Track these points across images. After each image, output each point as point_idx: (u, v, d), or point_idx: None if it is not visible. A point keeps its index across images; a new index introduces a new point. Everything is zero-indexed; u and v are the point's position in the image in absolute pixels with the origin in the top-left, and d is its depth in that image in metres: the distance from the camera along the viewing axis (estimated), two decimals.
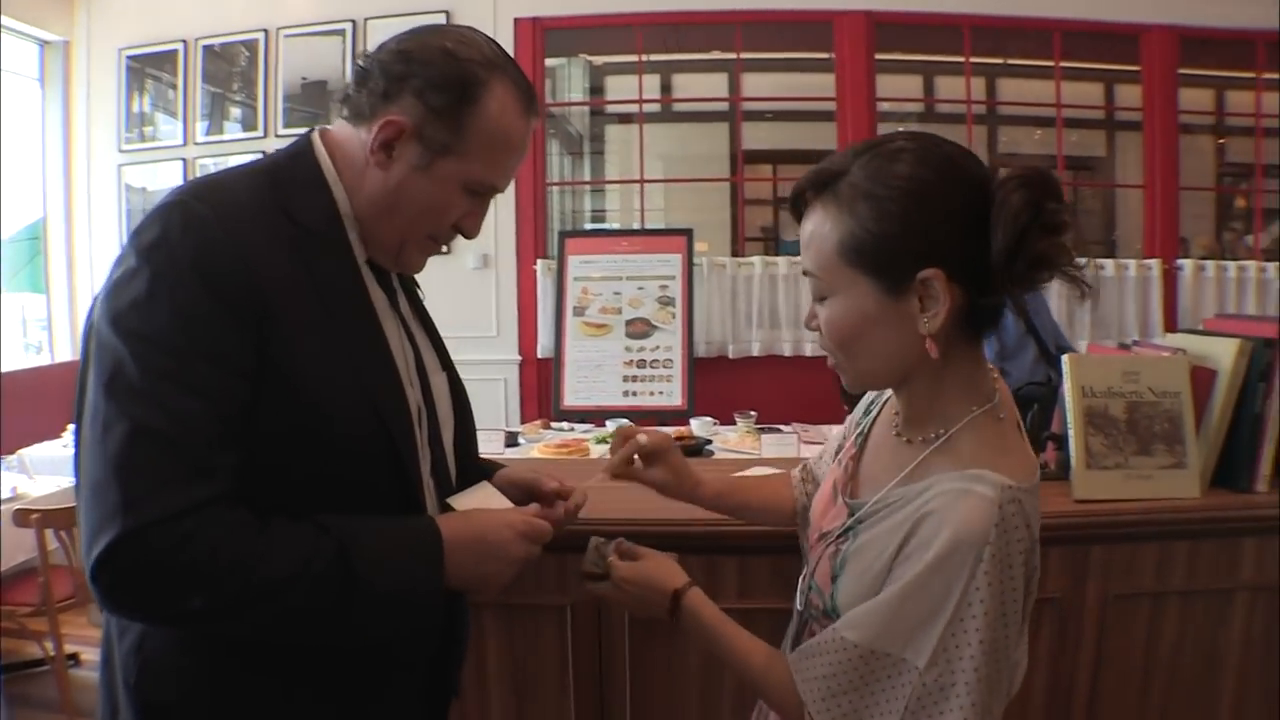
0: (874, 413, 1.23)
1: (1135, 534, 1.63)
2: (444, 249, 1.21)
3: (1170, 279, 4.72)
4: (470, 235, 1.17)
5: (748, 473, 1.99)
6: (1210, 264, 4.72)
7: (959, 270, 0.97)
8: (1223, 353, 1.70)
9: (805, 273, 1.06)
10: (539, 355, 4.81)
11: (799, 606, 1.21)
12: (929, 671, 0.96)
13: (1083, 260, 1.01)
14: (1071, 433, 1.67)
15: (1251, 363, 1.68)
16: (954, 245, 0.96)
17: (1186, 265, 4.72)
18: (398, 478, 1.09)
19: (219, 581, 0.93)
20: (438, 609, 1.06)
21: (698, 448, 3.55)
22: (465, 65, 1.07)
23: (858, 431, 1.24)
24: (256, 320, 0.97)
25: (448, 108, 1.06)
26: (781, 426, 4.09)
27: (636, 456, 1.36)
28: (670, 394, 4.53)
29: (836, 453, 1.30)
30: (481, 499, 1.21)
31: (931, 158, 0.99)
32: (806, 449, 3.49)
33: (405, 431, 1.10)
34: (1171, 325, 4.66)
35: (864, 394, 1.28)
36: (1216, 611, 1.68)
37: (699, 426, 3.95)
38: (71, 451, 0.99)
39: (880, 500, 1.06)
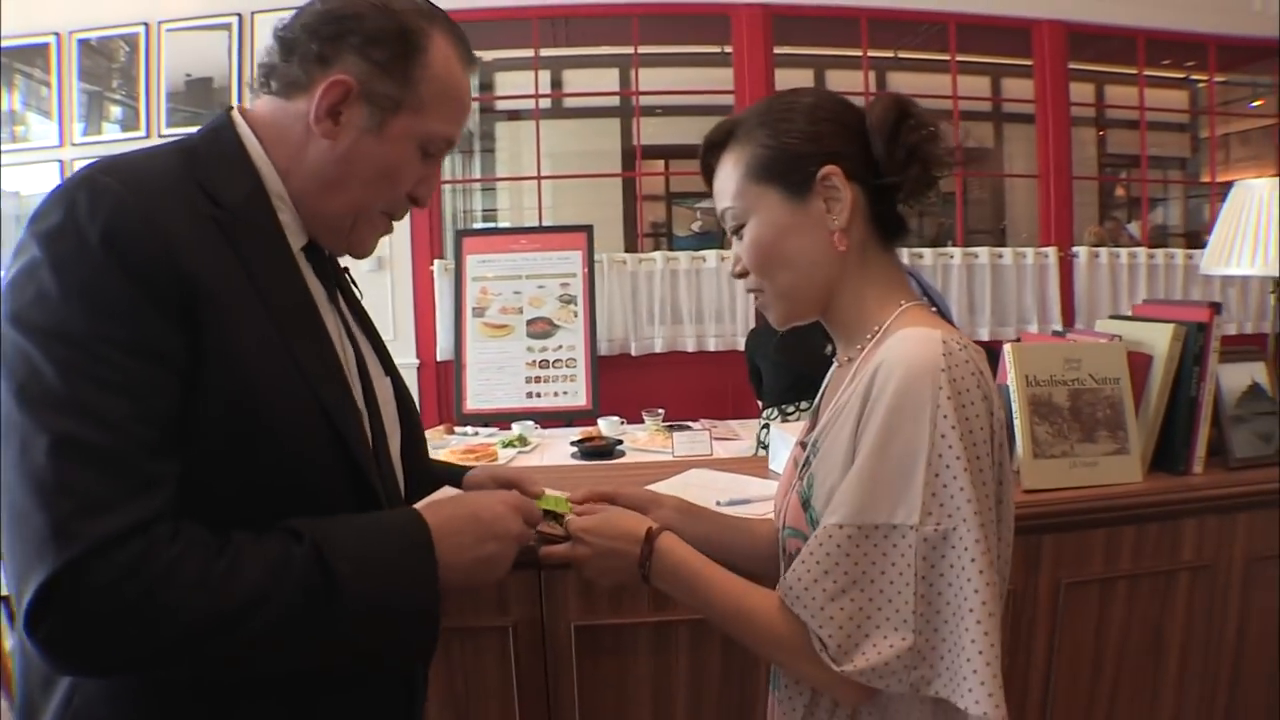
0: (825, 382, 1.23)
1: (1085, 521, 1.64)
2: None
3: (1066, 266, 4.85)
4: (423, 203, 1.07)
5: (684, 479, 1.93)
6: (1104, 251, 4.87)
7: (854, 169, 1.05)
8: (1157, 338, 1.72)
9: (722, 215, 1.12)
10: (438, 358, 4.64)
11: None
12: (925, 524, 0.91)
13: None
14: (1017, 422, 1.66)
15: (1186, 347, 1.70)
16: (847, 147, 1.05)
17: (1081, 253, 4.86)
18: (352, 485, 0.96)
19: (180, 612, 0.79)
20: (434, 612, 0.93)
21: (608, 449, 3.48)
22: (402, 16, 0.98)
23: (812, 407, 1.24)
24: (184, 307, 0.84)
25: (394, 61, 0.97)
26: (691, 423, 4.04)
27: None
28: (575, 394, 4.44)
29: None
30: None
31: (821, 91, 1.13)
32: (720, 446, 3.46)
33: (358, 434, 0.98)
34: (1069, 312, 4.82)
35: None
36: (1161, 593, 1.70)
37: (607, 426, 3.87)
38: None
39: (829, 413, 1.06)
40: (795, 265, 1.07)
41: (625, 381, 4.59)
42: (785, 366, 3.29)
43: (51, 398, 0.78)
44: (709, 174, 1.14)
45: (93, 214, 0.82)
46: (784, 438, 1.99)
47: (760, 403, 3.65)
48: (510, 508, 1.04)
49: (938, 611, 0.92)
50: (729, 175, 1.09)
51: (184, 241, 0.85)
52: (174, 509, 0.82)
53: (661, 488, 1.67)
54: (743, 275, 1.11)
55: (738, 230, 1.10)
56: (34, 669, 0.90)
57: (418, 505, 1.04)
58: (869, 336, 1.07)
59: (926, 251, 4.62)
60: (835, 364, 1.19)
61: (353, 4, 0.97)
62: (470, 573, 0.99)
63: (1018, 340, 1.86)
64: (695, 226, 6.79)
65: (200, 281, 0.85)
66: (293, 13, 1.00)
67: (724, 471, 1.95)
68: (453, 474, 1.29)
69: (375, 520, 0.96)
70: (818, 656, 0.95)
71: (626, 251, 4.96)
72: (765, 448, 3.31)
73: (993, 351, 2.00)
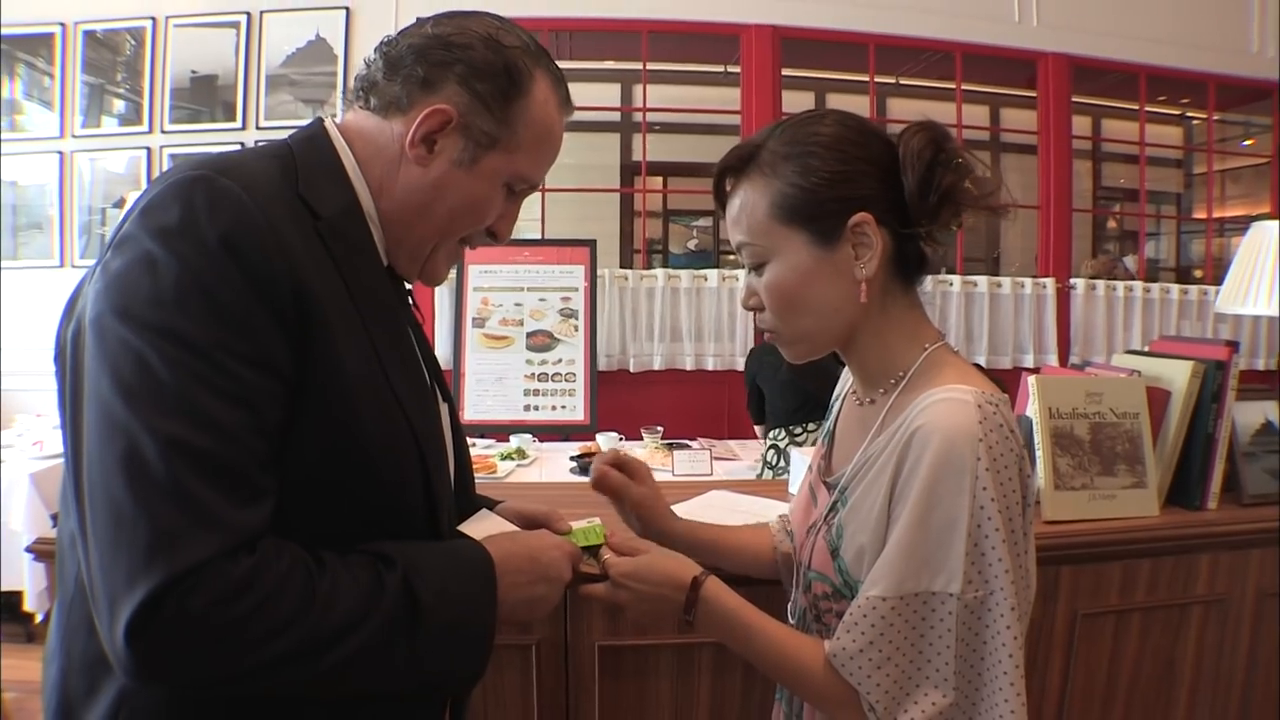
0: (835, 408, 1.25)
1: (1103, 554, 1.66)
2: None
3: (1064, 298, 4.87)
4: (502, 239, 1.08)
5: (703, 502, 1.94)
6: (1101, 284, 4.90)
7: (884, 214, 1.02)
8: (1177, 374, 1.75)
9: (739, 248, 1.09)
10: None
11: (792, 622, 1.19)
12: (967, 592, 0.94)
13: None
14: (1040, 454, 1.68)
15: (1204, 384, 1.73)
16: (877, 190, 1.02)
17: (1079, 284, 4.88)
18: (427, 514, 0.97)
19: (285, 631, 0.79)
20: (488, 645, 0.94)
21: None
22: (511, 53, 0.98)
23: (824, 432, 1.25)
24: (299, 321, 0.83)
25: (496, 98, 0.97)
26: (689, 442, 4.05)
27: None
28: (573, 408, 4.44)
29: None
30: (492, 527, 1.10)
31: (845, 118, 1.07)
32: (718, 466, 3.46)
33: (440, 461, 0.99)
34: (1064, 344, 4.85)
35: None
36: (1174, 626, 1.73)
37: (605, 442, 3.87)
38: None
39: (858, 460, 1.06)
40: (818, 311, 1.06)
41: (623, 398, 4.59)
42: (795, 386, 3.29)
43: (163, 398, 0.76)
44: (722, 197, 1.12)
45: (213, 215, 0.80)
46: (804, 462, 2.00)
47: (758, 427, 3.65)
48: (565, 554, 1.06)
49: (979, 674, 0.97)
50: (750, 209, 1.06)
51: (300, 253, 0.85)
52: (271, 526, 0.82)
53: (683, 508, 1.68)
54: (757, 309, 1.10)
55: (757, 268, 1.08)
56: (75, 673, 0.88)
57: (474, 535, 1.05)
58: (893, 381, 1.07)
59: (925, 278, 4.64)
60: (849, 390, 1.19)
61: (463, 33, 0.97)
62: (516, 610, 1.00)
63: (1029, 370, 1.89)
64: (691, 244, 6.79)
65: (314, 297, 0.84)
66: (399, 31, 1.00)
67: (745, 494, 1.96)
68: (489, 504, 1.28)
69: (450, 550, 0.96)
70: (865, 715, 0.99)
71: (621, 267, 4.96)
72: (771, 468, 3.32)
73: (996, 381, 2.03)
